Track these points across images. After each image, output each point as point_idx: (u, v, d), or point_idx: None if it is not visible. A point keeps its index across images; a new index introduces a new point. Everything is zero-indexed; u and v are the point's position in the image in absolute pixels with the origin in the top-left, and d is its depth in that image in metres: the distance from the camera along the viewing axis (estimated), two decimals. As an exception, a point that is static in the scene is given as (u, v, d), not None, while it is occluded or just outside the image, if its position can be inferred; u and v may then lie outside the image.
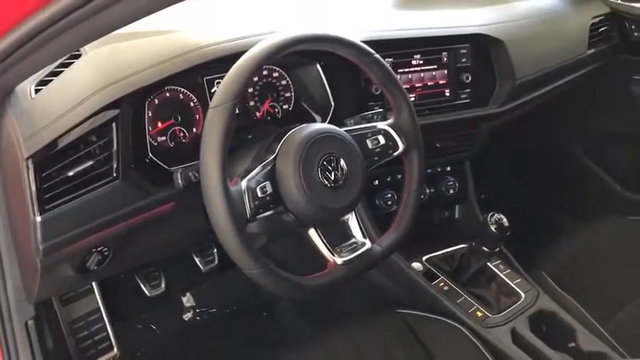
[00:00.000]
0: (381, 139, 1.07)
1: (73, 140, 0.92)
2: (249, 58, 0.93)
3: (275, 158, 0.97)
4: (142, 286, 1.48)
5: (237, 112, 0.91)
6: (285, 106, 1.27)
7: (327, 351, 1.19)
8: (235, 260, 0.91)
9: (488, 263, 1.36)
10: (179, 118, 1.12)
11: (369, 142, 1.07)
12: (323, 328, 1.27)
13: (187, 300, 1.65)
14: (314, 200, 0.95)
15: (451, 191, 1.50)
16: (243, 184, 0.92)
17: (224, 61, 1.10)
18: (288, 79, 1.27)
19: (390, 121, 1.10)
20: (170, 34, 1.13)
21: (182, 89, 1.12)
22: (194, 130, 1.15)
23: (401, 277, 1.37)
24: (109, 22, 0.69)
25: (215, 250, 1.60)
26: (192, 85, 1.13)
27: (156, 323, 1.56)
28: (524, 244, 1.45)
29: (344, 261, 0.99)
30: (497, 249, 1.30)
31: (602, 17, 1.66)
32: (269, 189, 0.94)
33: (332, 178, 0.97)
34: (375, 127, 1.08)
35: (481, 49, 1.40)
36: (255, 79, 1.23)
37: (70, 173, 0.92)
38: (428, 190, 1.52)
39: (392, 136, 1.08)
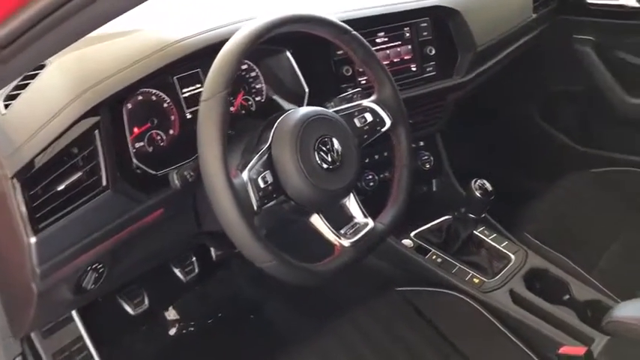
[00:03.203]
0: (368, 117, 1.06)
1: (56, 153, 0.85)
2: (234, 45, 0.90)
3: (270, 147, 0.94)
4: (125, 306, 1.40)
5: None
6: (258, 98, 1.24)
7: (334, 339, 1.17)
8: (248, 254, 0.87)
9: (475, 231, 1.37)
10: (155, 122, 1.07)
11: (356, 121, 1.05)
12: (319, 320, 1.25)
13: (170, 314, 1.59)
14: (315, 184, 0.93)
15: (427, 166, 1.51)
16: (245, 175, 0.88)
17: (193, 58, 1.07)
18: (257, 70, 1.23)
19: (373, 97, 1.09)
20: (135, 34, 1.08)
21: (154, 91, 1.06)
22: (170, 132, 1.10)
23: (394, 256, 1.37)
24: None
25: (194, 258, 1.54)
26: (163, 85, 1.08)
27: (143, 342, 1.49)
28: (500, 209, 1.47)
29: (351, 242, 0.98)
30: (483, 215, 1.32)
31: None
32: (270, 178, 0.91)
33: (329, 159, 0.96)
34: (360, 104, 1.07)
35: (440, 21, 1.41)
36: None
37: (60, 188, 0.86)
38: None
39: (378, 113, 1.07)
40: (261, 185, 0.89)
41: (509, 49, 1.59)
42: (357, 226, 1.01)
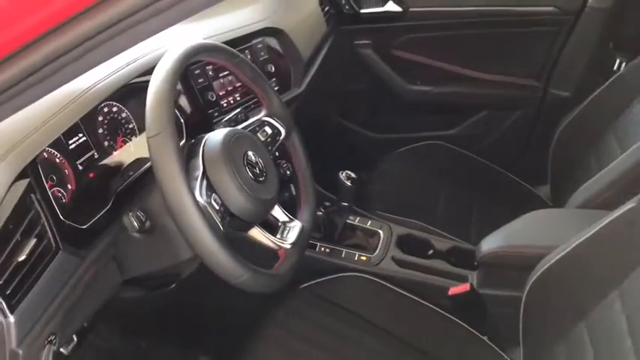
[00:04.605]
0: (268, 130, 1.16)
1: (2, 226, 0.77)
2: (162, 80, 0.92)
3: (205, 172, 0.97)
4: None
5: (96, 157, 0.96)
6: (135, 139, 1.23)
7: (263, 344, 1.22)
8: (222, 273, 0.90)
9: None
10: (54, 179, 1.00)
11: (260, 135, 1.14)
12: (240, 340, 1.29)
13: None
14: (255, 196, 1.00)
15: (288, 172, 1.63)
16: (200, 201, 0.91)
17: (108, 101, 1.05)
18: (126, 110, 1.22)
19: (264, 112, 1.18)
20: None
21: (46, 147, 1.00)
22: (68, 186, 1.04)
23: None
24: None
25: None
26: (53, 141, 1.02)
27: None
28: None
29: (291, 244, 1.07)
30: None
31: (320, -3, 1.96)
32: (219, 200, 0.95)
33: (257, 172, 1.03)
34: (258, 120, 1.15)
35: (271, 40, 1.55)
36: (100, 118, 1.15)
37: (21, 258, 0.78)
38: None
39: (274, 124, 1.17)
40: (217, 207, 0.93)
41: (319, 59, 1.80)
42: (288, 228, 1.10)
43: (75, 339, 1.43)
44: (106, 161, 1.11)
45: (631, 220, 1.00)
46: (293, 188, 1.48)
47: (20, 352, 0.77)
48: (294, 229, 1.10)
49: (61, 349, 1.28)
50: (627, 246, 1.00)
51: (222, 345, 1.47)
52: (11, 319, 0.76)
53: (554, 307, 1.14)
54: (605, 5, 1.86)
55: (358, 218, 1.58)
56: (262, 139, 1.13)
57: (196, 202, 0.86)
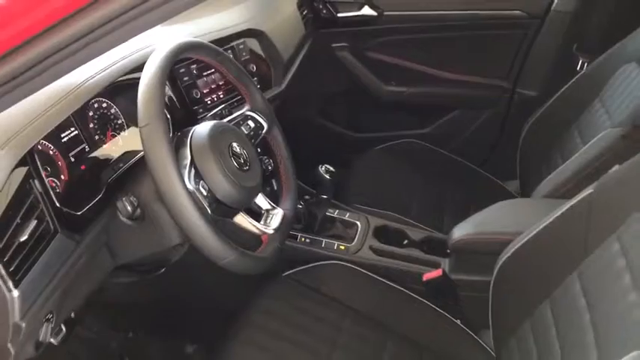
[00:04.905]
0: (251, 123, 1.23)
1: (5, 208, 0.83)
2: (153, 74, 0.98)
3: (192, 161, 1.04)
4: None
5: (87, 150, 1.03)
6: (123, 133, 1.29)
7: (251, 329, 1.28)
8: (210, 253, 0.97)
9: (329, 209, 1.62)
10: (49, 170, 1.06)
11: (243, 129, 1.21)
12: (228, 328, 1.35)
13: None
14: (240, 184, 1.07)
15: (270, 168, 1.70)
16: (189, 186, 0.97)
17: (103, 95, 1.12)
18: (115, 107, 1.28)
19: (247, 107, 1.25)
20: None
21: (41, 140, 1.06)
22: (62, 177, 1.10)
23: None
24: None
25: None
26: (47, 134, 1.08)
27: None
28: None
29: (274, 229, 1.13)
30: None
31: (299, 2, 2.04)
32: (206, 187, 1.02)
33: (242, 162, 1.10)
34: (241, 114, 1.22)
35: (252, 41, 1.62)
36: (91, 113, 1.21)
37: (23, 238, 0.84)
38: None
39: (256, 119, 1.24)
40: (205, 193, 1.00)
41: (298, 61, 1.87)
42: (272, 215, 1.17)
43: (64, 329, 1.48)
44: (96, 154, 1.17)
45: (589, 205, 1.09)
46: (274, 183, 1.55)
47: (23, 324, 0.83)
48: (276, 216, 1.17)
49: (51, 339, 1.34)
50: (586, 229, 1.09)
51: (207, 332, 1.53)
52: (15, 293, 0.81)
53: (521, 288, 1.22)
54: (569, 9, 1.97)
55: (337, 211, 1.66)
56: (245, 132, 1.20)
57: (184, 186, 0.92)
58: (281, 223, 1.15)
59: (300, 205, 1.61)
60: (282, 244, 1.14)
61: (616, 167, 1.09)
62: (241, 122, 1.21)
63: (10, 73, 0.77)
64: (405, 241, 1.61)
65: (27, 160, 0.90)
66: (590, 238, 1.07)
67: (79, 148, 1.13)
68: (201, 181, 1.01)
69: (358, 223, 1.62)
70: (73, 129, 1.14)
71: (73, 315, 1.49)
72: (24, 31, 0.79)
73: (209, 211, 0.98)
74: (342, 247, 1.53)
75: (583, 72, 1.80)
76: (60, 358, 1.53)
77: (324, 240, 1.55)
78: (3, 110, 0.80)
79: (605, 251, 1.04)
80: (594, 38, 2.01)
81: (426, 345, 1.33)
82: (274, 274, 1.45)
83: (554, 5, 1.97)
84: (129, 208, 1.03)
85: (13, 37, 0.78)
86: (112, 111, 1.27)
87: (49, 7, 0.79)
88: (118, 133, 1.28)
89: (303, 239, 1.55)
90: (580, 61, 2.02)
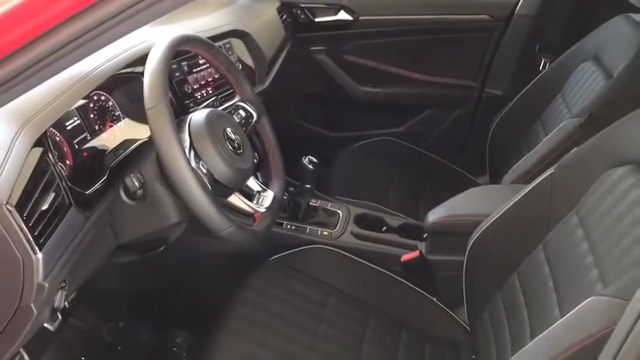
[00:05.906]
0: (242, 113, 1.32)
1: (28, 180, 0.91)
2: (158, 62, 1.07)
3: (192, 144, 1.13)
4: None
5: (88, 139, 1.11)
6: (119, 124, 1.37)
7: (246, 307, 1.37)
8: (209, 223, 1.05)
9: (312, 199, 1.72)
10: (56, 154, 1.14)
11: (235, 117, 1.30)
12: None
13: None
14: (236, 166, 1.16)
15: (255, 161, 1.79)
16: (192, 164, 1.06)
17: (111, 82, 1.22)
18: (112, 99, 1.36)
19: (238, 98, 1.35)
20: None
21: (49, 127, 1.13)
22: (67, 162, 1.17)
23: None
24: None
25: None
26: (54, 122, 1.15)
27: None
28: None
29: (266, 208, 1.23)
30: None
31: (278, 7, 2.15)
32: (205, 167, 1.11)
33: (236, 146, 1.19)
34: (233, 104, 1.32)
35: (237, 41, 1.72)
36: (91, 105, 1.29)
37: (44, 207, 0.91)
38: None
39: (247, 108, 1.34)
40: (204, 171, 1.09)
41: (279, 62, 1.98)
42: (262, 197, 1.26)
43: (60, 317, 1.54)
44: (96, 142, 1.25)
45: (550, 183, 1.21)
46: (264, 169, 1.64)
47: (46, 285, 0.90)
48: (267, 197, 1.26)
49: (48, 325, 1.40)
50: (548, 205, 1.21)
51: (198, 318, 1.60)
52: (40, 255, 0.89)
53: (491, 264, 1.33)
54: (531, 13, 2.12)
55: (319, 201, 1.75)
56: (237, 120, 1.30)
57: (188, 163, 1.01)
58: (272, 203, 1.25)
59: (285, 196, 1.70)
60: (273, 222, 1.23)
61: (574, 150, 1.21)
62: (233, 111, 1.30)
63: (21, 67, 0.83)
64: (384, 228, 1.71)
65: (42, 141, 0.97)
66: (553, 213, 1.19)
67: (81, 136, 1.20)
68: (201, 162, 1.10)
69: (339, 211, 1.72)
70: (75, 118, 1.22)
71: (67, 305, 1.57)
72: (26, 33, 0.86)
73: (209, 187, 1.07)
74: (326, 233, 1.63)
75: (545, 71, 1.95)
76: (53, 348, 1.60)
77: (308, 227, 1.64)
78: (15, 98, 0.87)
79: (566, 224, 1.15)
80: (555, 40, 2.16)
81: (405, 321, 1.43)
82: (262, 259, 1.54)
83: (517, 9, 2.12)
84: (136, 183, 1.11)
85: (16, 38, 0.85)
86: (110, 103, 1.36)
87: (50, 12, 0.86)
88: (116, 124, 1.36)
89: (288, 226, 1.64)
90: (542, 61, 2.17)
